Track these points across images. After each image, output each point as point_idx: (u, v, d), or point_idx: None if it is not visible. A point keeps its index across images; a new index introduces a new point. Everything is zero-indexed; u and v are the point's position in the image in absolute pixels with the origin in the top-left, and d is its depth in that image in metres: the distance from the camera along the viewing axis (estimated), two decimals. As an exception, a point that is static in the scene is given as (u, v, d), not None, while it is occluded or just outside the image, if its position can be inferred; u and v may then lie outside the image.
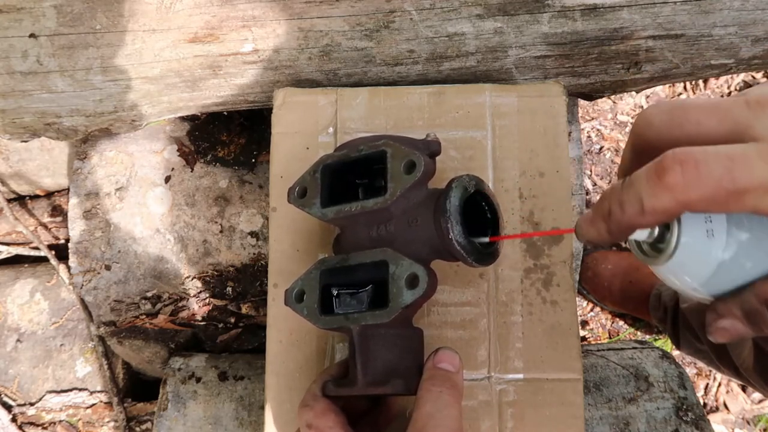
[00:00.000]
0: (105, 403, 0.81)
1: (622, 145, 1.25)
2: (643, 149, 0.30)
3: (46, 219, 0.89)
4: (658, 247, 0.32)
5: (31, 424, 0.81)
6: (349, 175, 0.47)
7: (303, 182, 0.46)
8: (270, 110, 0.58)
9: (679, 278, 0.31)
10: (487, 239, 0.43)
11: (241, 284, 0.73)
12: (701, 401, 1.13)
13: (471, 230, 0.41)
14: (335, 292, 0.45)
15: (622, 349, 0.74)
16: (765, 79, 1.26)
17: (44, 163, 0.86)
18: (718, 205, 0.26)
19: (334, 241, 0.50)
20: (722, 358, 0.89)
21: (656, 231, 0.31)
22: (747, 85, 1.28)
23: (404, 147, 0.42)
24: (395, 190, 0.41)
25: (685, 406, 0.67)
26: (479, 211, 0.44)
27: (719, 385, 1.16)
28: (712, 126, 0.27)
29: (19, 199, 0.91)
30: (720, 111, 0.27)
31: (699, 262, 0.30)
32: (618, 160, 1.25)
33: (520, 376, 0.51)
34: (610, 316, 1.20)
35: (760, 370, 0.79)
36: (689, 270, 0.31)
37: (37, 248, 0.85)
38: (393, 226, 0.43)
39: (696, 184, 0.25)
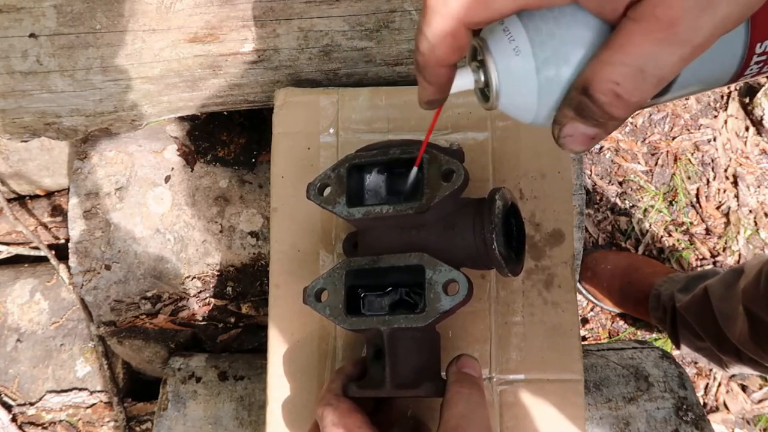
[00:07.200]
0: (105, 403, 0.81)
1: (623, 145, 1.25)
2: None
3: (46, 219, 0.89)
4: (486, 92, 0.32)
5: (31, 423, 0.81)
6: (365, 177, 0.46)
7: (324, 179, 0.45)
8: (270, 110, 0.57)
9: (522, 111, 0.31)
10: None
11: (241, 284, 0.73)
12: (701, 401, 1.14)
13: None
14: (362, 294, 0.44)
15: (622, 349, 0.73)
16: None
17: (44, 162, 0.85)
18: (483, 7, 0.27)
19: (346, 242, 0.50)
20: (722, 344, 0.89)
21: (481, 76, 0.31)
22: (749, 86, 1.28)
23: (442, 154, 0.42)
24: (432, 196, 0.41)
25: (685, 406, 0.67)
26: (509, 223, 0.44)
27: (719, 385, 1.16)
28: None
29: (19, 199, 0.91)
30: None
31: (522, 82, 0.30)
32: (618, 159, 1.25)
33: (521, 376, 0.51)
34: (610, 316, 1.20)
35: (755, 338, 0.78)
36: (520, 96, 0.30)
37: (37, 248, 0.84)
38: (426, 232, 0.42)
39: None
